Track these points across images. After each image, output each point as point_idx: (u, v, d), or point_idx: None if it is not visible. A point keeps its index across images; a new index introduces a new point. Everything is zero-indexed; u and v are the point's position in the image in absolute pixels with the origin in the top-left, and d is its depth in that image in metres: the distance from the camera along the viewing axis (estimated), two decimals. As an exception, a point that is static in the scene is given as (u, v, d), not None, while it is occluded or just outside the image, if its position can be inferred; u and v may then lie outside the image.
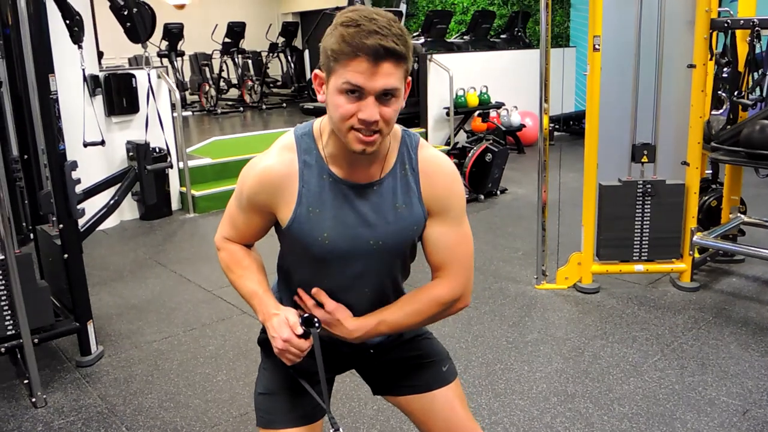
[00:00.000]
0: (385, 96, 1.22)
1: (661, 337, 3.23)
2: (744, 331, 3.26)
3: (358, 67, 1.19)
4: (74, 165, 3.01)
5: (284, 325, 1.33)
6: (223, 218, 1.51)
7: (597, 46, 3.57)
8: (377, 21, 1.19)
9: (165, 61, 11.26)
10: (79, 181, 3.07)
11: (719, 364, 2.95)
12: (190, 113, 11.30)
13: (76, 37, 3.51)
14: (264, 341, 1.56)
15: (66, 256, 3.07)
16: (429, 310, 1.44)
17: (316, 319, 1.36)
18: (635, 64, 3.67)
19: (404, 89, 1.27)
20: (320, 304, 1.43)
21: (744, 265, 4.14)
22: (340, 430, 1.39)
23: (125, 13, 3.66)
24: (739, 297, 3.68)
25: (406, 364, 1.57)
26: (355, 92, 1.21)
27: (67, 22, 3.44)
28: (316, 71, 1.30)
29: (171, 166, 5.71)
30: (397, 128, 1.39)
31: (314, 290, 1.42)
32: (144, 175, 4.11)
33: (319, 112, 9.19)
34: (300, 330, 1.34)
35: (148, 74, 4.96)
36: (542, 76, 3.74)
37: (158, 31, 10.08)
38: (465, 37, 9.79)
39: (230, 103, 12.29)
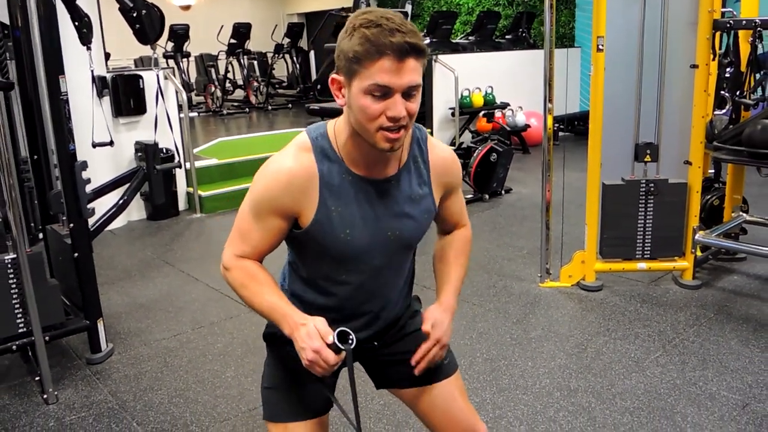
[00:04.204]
0: (409, 92, 1.26)
1: (662, 333, 3.27)
2: (745, 327, 3.29)
3: (384, 66, 1.21)
4: (84, 165, 3.06)
5: (314, 335, 1.29)
6: (231, 237, 1.47)
7: (601, 47, 3.61)
8: (394, 20, 1.23)
9: (171, 62, 11.33)
10: (89, 180, 3.12)
11: (720, 359, 2.99)
12: (195, 114, 11.36)
13: (85, 38, 3.56)
14: (269, 336, 1.59)
15: (76, 254, 3.12)
16: (467, 249, 1.67)
17: (350, 336, 1.30)
18: (639, 64, 3.70)
19: (421, 87, 1.31)
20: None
21: (746, 263, 4.17)
22: None
23: (134, 14, 3.72)
24: (740, 294, 3.71)
25: (408, 358, 1.60)
26: (382, 92, 1.24)
27: (76, 23, 3.50)
28: (334, 76, 1.31)
29: (180, 166, 5.77)
30: None
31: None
32: (153, 174, 4.16)
33: (325, 113, 9.07)
34: (330, 339, 1.28)
35: (158, 75, 5.00)
36: (546, 76, 3.77)
37: (164, 33, 10.19)
38: (470, 37, 9.82)
39: (236, 104, 12.37)
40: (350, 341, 1.30)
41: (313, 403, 1.54)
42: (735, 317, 3.41)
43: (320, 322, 1.32)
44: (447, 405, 1.59)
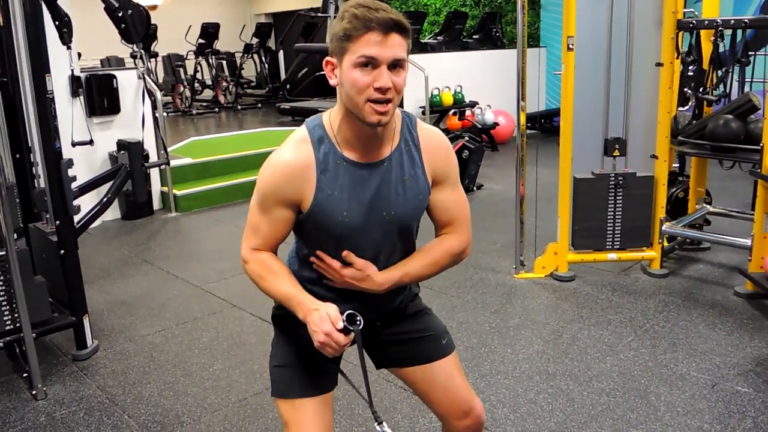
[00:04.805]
0: (394, 66, 1.38)
1: (634, 319, 3.42)
2: (711, 312, 3.47)
3: (370, 39, 1.35)
4: (70, 163, 3.08)
5: (325, 319, 1.39)
6: (245, 233, 1.58)
7: (571, 46, 3.75)
8: (381, 5, 1.38)
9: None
10: (74, 178, 3.14)
11: (689, 342, 3.15)
12: (164, 114, 11.28)
13: (65, 38, 3.57)
14: (278, 317, 1.67)
15: (62, 252, 3.14)
16: (443, 260, 1.62)
17: (358, 318, 1.39)
18: (607, 62, 3.85)
19: (407, 66, 1.42)
20: (348, 264, 1.53)
21: (710, 252, 4.36)
22: (384, 424, 1.46)
23: (120, 14, 3.74)
24: (705, 282, 3.89)
25: (409, 338, 1.71)
26: (369, 64, 1.36)
27: (57, 23, 3.50)
28: (327, 58, 1.44)
29: (168, 164, 5.77)
30: (397, 111, 1.54)
31: (344, 253, 1.53)
32: (137, 172, 4.18)
33: (296, 112, 9.06)
34: (341, 324, 1.38)
35: (143, 74, 5.02)
36: (519, 75, 3.91)
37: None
38: (439, 37, 9.96)
39: (205, 103, 12.32)
40: (358, 323, 1.40)
41: (321, 381, 1.62)
42: (701, 303, 3.59)
43: (331, 309, 1.43)
44: (446, 383, 1.69)
